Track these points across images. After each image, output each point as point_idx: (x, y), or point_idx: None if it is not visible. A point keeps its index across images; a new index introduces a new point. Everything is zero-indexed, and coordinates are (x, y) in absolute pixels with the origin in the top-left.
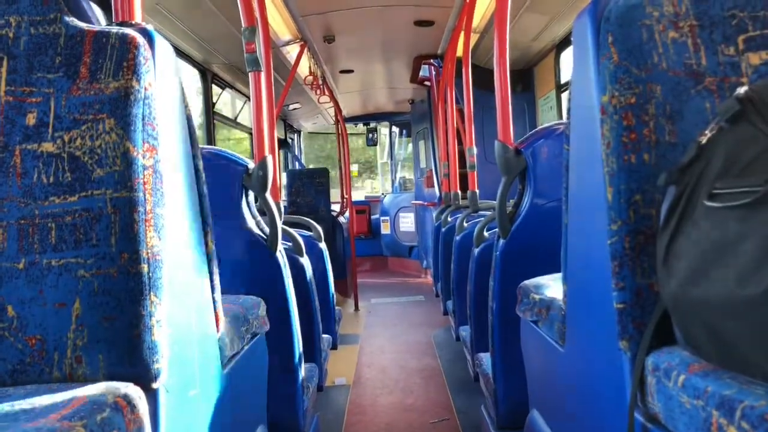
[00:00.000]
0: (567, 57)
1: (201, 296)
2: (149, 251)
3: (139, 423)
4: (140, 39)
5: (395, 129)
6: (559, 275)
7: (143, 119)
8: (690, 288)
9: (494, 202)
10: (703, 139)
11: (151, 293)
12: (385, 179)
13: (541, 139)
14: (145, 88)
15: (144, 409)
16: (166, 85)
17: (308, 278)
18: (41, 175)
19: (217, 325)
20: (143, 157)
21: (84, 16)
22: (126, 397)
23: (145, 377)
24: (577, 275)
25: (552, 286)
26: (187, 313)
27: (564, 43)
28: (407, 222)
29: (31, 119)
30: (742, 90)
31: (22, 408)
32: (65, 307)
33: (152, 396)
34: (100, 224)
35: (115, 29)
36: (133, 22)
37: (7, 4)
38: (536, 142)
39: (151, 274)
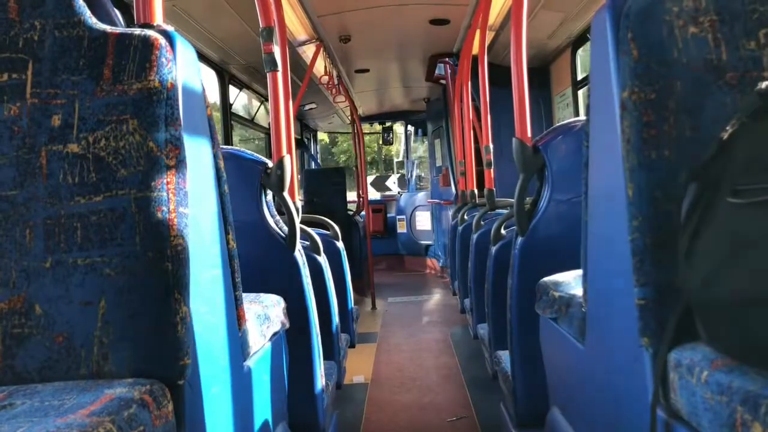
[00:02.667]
0: (583, 54)
1: (224, 294)
2: (173, 250)
3: (165, 419)
4: (162, 40)
5: (411, 128)
6: (578, 272)
7: (166, 120)
8: (713, 284)
9: (510, 200)
10: (725, 135)
11: (176, 291)
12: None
13: (559, 136)
14: (168, 89)
15: (169, 405)
16: (187, 86)
17: (326, 277)
18: (67, 175)
19: (239, 323)
20: (166, 157)
21: (106, 19)
22: (152, 394)
23: (170, 374)
24: (598, 272)
25: (571, 283)
26: (211, 310)
27: (580, 40)
28: (423, 221)
29: (56, 121)
30: (763, 84)
31: (52, 404)
32: (91, 306)
33: (177, 392)
34: (124, 223)
35: (137, 31)
36: (155, 24)
37: (32, 8)
38: (554, 139)
39: (175, 272)
